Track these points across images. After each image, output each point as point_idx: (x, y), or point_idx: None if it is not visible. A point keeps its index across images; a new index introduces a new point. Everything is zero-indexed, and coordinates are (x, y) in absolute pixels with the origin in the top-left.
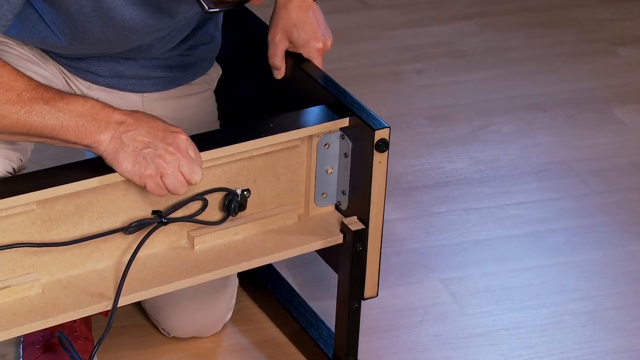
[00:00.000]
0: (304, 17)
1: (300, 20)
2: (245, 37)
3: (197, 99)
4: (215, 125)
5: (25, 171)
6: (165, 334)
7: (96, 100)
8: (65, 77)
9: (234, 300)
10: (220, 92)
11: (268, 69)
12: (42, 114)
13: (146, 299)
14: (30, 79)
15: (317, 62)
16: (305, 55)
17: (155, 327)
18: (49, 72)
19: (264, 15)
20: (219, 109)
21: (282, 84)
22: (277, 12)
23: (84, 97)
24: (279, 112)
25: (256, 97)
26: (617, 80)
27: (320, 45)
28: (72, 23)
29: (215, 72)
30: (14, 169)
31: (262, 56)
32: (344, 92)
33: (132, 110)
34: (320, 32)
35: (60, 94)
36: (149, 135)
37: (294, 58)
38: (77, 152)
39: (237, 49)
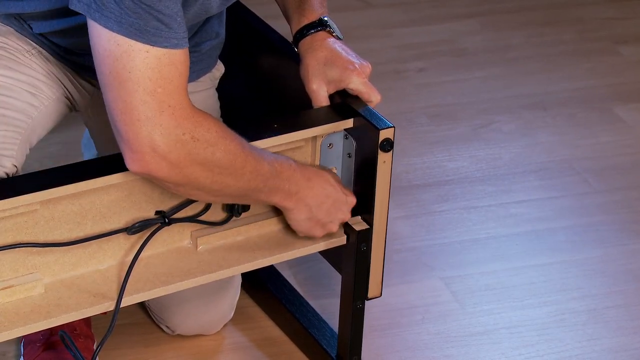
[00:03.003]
0: (331, 54)
1: (328, 58)
2: (241, 34)
3: (201, 96)
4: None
5: (26, 171)
6: (169, 331)
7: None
8: (70, 79)
9: (237, 297)
10: (220, 92)
11: (266, 66)
12: (265, 175)
13: (151, 300)
14: None
15: (364, 90)
16: (350, 87)
17: (157, 324)
18: (53, 75)
19: (261, 12)
20: (221, 110)
21: (282, 83)
22: (304, 60)
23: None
24: (282, 113)
25: (255, 95)
26: (618, 79)
27: (357, 69)
28: None
29: (218, 71)
30: (7, 174)
31: (259, 53)
32: (347, 92)
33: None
34: (352, 59)
35: None
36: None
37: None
38: (78, 150)
39: (234, 45)
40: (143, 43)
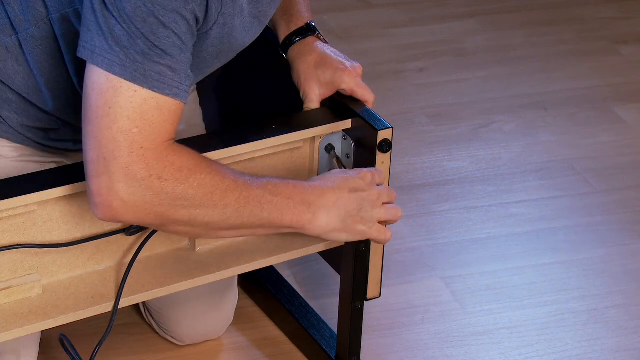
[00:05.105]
0: (321, 56)
1: (319, 61)
2: None
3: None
4: (202, 127)
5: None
6: (179, 343)
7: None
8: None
9: (237, 298)
10: (219, 93)
11: (265, 67)
12: (258, 198)
13: (155, 312)
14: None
15: (357, 89)
16: (343, 88)
17: (162, 337)
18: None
19: None
20: (219, 110)
21: (282, 84)
22: (294, 66)
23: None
24: (281, 113)
25: (256, 97)
26: (618, 78)
27: (348, 69)
28: (198, 65)
29: None
30: None
31: (261, 56)
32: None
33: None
34: (342, 60)
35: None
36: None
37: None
38: None
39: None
40: (141, 86)
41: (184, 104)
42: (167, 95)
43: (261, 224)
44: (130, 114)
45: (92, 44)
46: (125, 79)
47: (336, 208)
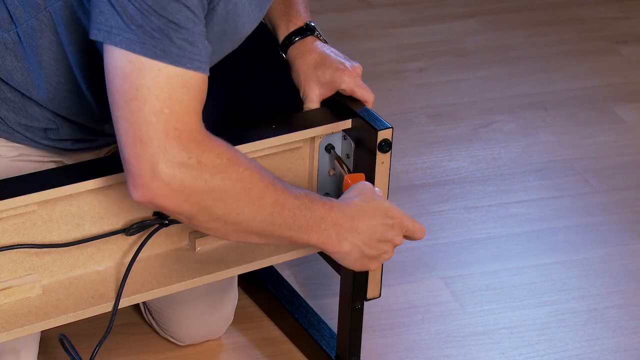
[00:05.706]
0: (321, 56)
1: (319, 61)
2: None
3: None
4: None
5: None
6: (179, 343)
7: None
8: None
9: (237, 298)
10: (219, 93)
11: (267, 68)
12: (293, 209)
13: (155, 312)
14: None
15: (357, 89)
16: (342, 88)
17: (163, 337)
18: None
19: None
20: (219, 111)
21: (282, 84)
22: (294, 67)
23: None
24: (280, 113)
25: (256, 98)
26: (618, 78)
27: (348, 69)
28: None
29: None
30: None
31: (261, 56)
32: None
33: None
34: (342, 60)
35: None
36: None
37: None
38: None
39: (236, 49)
40: (164, 62)
41: (207, 76)
42: (189, 69)
43: (289, 235)
44: (158, 93)
45: (107, 24)
46: (147, 56)
47: (360, 245)
